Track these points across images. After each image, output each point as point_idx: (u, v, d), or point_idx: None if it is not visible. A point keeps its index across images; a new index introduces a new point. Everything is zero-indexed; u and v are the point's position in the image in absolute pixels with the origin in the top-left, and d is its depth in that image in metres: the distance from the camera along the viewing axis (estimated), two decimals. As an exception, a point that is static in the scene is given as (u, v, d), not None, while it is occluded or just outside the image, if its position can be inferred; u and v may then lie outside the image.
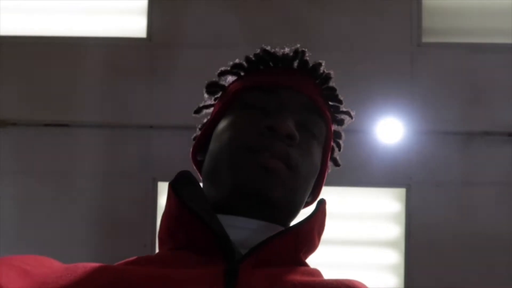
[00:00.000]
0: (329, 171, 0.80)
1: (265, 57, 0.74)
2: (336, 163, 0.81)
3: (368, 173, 2.67)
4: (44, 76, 2.80)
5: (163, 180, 2.74)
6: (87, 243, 2.70)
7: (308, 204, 0.76)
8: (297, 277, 0.58)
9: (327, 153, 0.75)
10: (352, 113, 0.79)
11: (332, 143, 0.78)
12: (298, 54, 0.74)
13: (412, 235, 2.71)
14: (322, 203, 0.67)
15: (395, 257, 2.75)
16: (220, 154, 0.67)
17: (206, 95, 0.79)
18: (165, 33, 2.81)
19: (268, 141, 0.64)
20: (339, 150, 0.81)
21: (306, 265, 0.65)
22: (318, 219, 0.65)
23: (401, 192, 2.76)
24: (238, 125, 0.68)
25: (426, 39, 2.77)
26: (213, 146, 0.70)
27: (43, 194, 2.77)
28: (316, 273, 0.63)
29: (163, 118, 2.76)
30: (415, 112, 2.71)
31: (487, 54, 2.73)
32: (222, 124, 0.71)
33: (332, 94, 0.77)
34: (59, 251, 2.56)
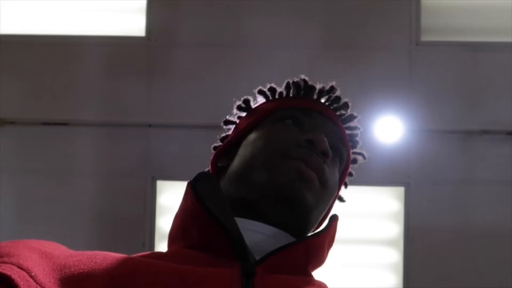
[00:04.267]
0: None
1: (304, 88, 0.78)
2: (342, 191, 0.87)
3: (367, 172, 2.67)
4: (43, 75, 2.80)
5: (162, 178, 2.74)
6: (86, 241, 2.69)
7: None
8: (308, 287, 0.60)
9: (342, 181, 0.81)
10: (366, 155, 0.84)
11: (345, 178, 0.84)
12: (332, 90, 0.78)
13: (411, 233, 2.71)
14: (335, 218, 0.69)
15: (394, 256, 2.75)
16: (254, 157, 0.70)
17: (235, 111, 0.82)
18: (164, 32, 2.81)
19: (306, 152, 0.68)
20: (345, 187, 0.87)
21: (313, 277, 0.66)
22: (329, 234, 0.67)
23: (400, 190, 2.76)
24: (276, 133, 0.72)
25: (425, 37, 2.77)
26: (244, 151, 0.73)
27: (42, 193, 2.77)
28: (323, 286, 0.64)
29: (162, 117, 2.76)
30: (413, 111, 2.72)
31: (486, 53, 2.73)
32: (255, 134, 0.74)
33: (352, 134, 0.82)
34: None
